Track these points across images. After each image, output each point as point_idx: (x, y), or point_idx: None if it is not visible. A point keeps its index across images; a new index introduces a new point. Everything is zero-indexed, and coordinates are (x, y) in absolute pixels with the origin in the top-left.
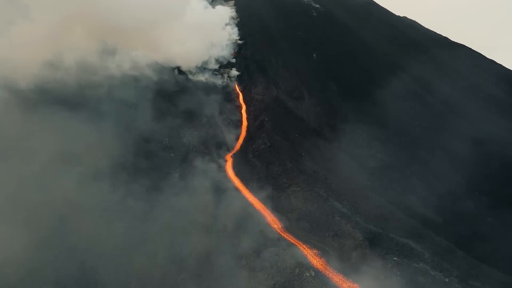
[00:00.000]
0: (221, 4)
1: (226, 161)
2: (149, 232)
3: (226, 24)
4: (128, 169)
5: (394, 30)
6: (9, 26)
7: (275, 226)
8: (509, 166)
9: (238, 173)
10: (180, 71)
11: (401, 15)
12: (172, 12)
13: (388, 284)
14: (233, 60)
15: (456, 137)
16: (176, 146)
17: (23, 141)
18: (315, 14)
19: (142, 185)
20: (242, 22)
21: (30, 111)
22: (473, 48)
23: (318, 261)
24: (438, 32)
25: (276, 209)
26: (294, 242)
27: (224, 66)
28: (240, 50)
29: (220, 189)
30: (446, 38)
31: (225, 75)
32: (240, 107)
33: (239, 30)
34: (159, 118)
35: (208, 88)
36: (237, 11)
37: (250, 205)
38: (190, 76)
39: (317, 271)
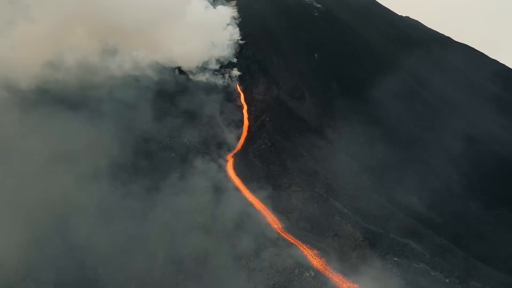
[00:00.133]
0: (223, 4)
1: (227, 161)
2: (149, 232)
3: (228, 24)
4: (128, 169)
5: (396, 30)
6: (10, 26)
7: (275, 226)
8: (510, 166)
9: (238, 173)
10: (181, 71)
11: (404, 15)
12: (173, 12)
13: (388, 285)
14: (234, 60)
15: (456, 137)
16: (177, 146)
17: (24, 141)
18: (316, 14)
19: (142, 185)
20: (244, 22)
21: (31, 111)
22: (476, 48)
23: (318, 261)
24: (440, 32)
25: (276, 209)
26: (294, 242)
27: (225, 66)
28: (242, 50)
29: (220, 189)
30: (448, 38)
31: (226, 75)
32: (241, 107)
33: (240, 30)
34: (160, 118)
35: (209, 88)
36: (238, 11)
37: (250, 205)
38: (191, 76)
39: (317, 271)
